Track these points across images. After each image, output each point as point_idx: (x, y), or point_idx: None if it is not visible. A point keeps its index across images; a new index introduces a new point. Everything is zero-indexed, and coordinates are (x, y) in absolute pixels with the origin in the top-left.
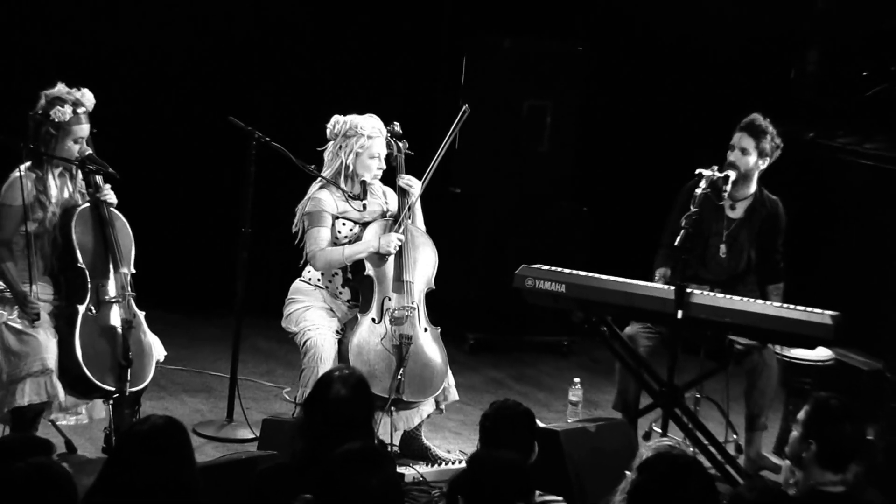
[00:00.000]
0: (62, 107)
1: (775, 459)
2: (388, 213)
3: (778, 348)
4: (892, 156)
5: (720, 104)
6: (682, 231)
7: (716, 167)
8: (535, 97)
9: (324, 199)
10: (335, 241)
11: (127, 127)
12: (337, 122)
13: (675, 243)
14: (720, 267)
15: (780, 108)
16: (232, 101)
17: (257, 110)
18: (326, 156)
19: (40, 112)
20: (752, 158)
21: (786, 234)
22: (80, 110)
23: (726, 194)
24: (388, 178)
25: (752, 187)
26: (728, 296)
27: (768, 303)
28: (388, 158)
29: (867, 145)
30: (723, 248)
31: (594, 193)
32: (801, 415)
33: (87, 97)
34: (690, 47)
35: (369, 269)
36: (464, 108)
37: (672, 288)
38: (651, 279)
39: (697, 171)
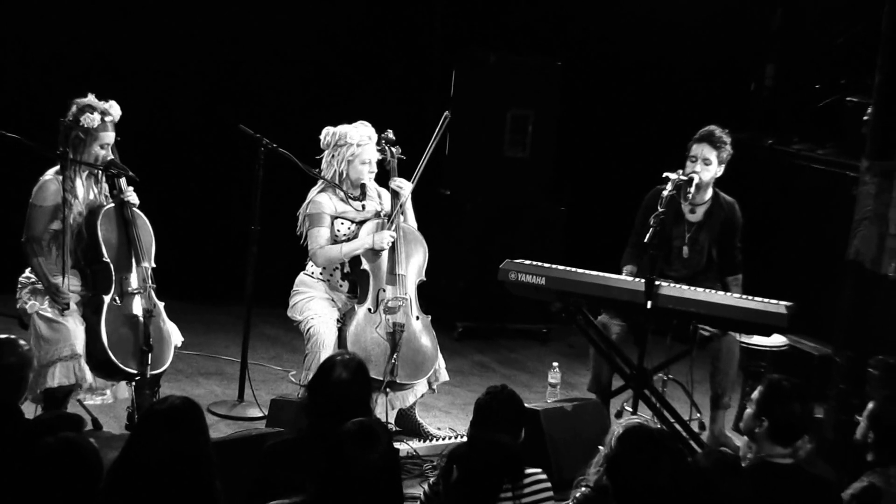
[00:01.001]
0: (91, 114)
1: (736, 439)
2: (383, 213)
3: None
4: (842, 161)
5: (686, 114)
6: (651, 229)
7: (681, 171)
8: (517, 107)
9: (322, 201)
10: (334, 239)
11: (148, 135)
12: (328, 134)
13: (645, 240)
14: (683, 266)
15: (740, 118)
16: (241, 111)
17: (265, 119)
18: (323, 164)
19: (71, 118)
20: (714, 168)
21: (743, 232)
22: (108, 119)
23: (690, 195)
24: (384, 180)
25: (710, 192)
26: (693, 287)
27: (729, 294)
28: (382, 163)
29: (819, 151)
30: (685, 249)
31: (571, 195)
32: (755, 394)
33: (115, 108)
34: (658, 62)
35: (365, 264)
36: (445, 114)
37: (642, 281)
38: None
39: (664, 175)
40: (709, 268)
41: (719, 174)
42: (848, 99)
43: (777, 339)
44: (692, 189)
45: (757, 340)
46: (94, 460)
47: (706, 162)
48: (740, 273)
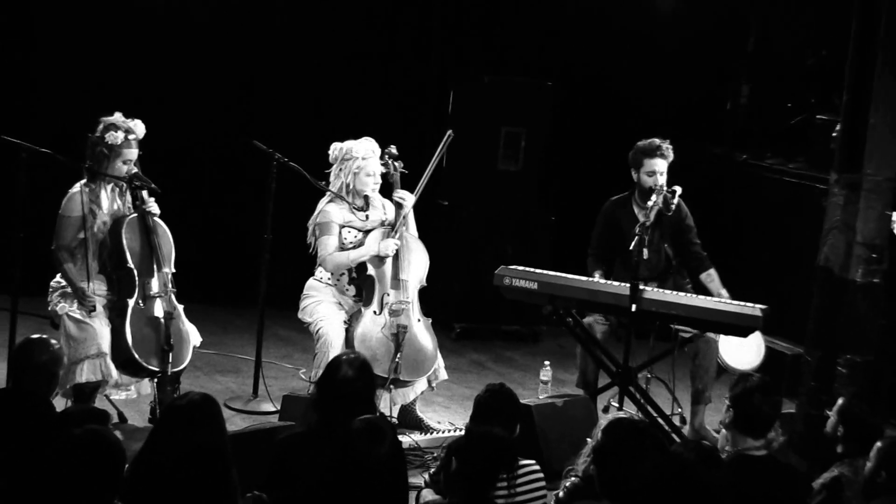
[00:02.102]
0: (115, 132)
1: (714, 432)
2: (387, 222)
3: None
4: (812, 174)
5: (666, 130)
6: (637, 237)
7: (663, 183)
8: (510, 124)
9: (331, 211)
10: (342, 247)
11: (169, 150)
12: (335, 149)
13: (630, 247)
14: (645, 268)
15: (716, 134)
16: (255, 127)
17: (276, 134)
18: (332, 177)
19: (98, 134)
20: (665, 176)
21: (696, 226)
22: (132, 137)
23: (674, 206)
24: (387, 192)
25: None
26: (674, 292)
27: (708, 298)
28: (386, 176)
29: (791, 165)
30: (645, 251)
31: (560, 205)
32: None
33: (139, 127)
34: (640, 83)
35: (371, 270)
36: (448, 132)
37: (627, 285)
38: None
39: (649, 187)
40: (668, 268)
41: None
42: (817, 116)
43: (750, 359)
44: (675, 200)
45: (730, 359)
46: (117, 451)
47: (661, 174)
48: (711, 268)
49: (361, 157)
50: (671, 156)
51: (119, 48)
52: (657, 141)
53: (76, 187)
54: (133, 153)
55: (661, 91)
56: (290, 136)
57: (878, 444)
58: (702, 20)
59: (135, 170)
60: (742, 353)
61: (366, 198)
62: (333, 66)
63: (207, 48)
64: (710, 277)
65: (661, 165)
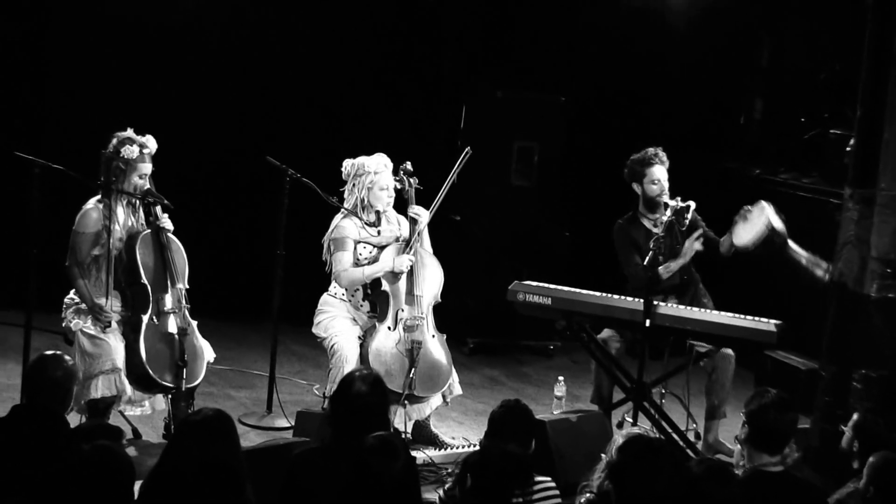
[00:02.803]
0: (131, 146)
1: (730, 446)
2: (401, 238)
3: None
4: (825, 189)
5: (679, 145)
6: (651, 252)
7: (678, 198)
8: (523, 139)
9: (346, 226)
10: (356, 262)
11: (182, 166)
12: (347, 165)
13: (644, 263)
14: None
15: (730, 149)
16: (268, 143)
17: (290, 150)
18: (346, 193)
19: (112, 150)
20: (667, 182)
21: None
22: (146, 151)
23: (687, 221)
24: (402, 208)
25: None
26: (688, 307)
27: (722, 312)
28: (401, 192)
29: (805, 180)
30: (660, 259)
31: (574, 220)
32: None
33: (151, 141)
34: (653, 97)
35: (385, 286)
36: (466, 149)
37: (641, 300)
38: (622, 293)
39: (664, 202)
40: (688, 282)
41: None
42: (831, 131)
43: None
44: (689, 215)
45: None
46: (126, 467)
47: (665, 180)
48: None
49: (374, 172)
50: (667, 162)
51: (131, 64)
52: (650, 150)
53: (90, 203)
54: (148, 167)
55: (674, 105)
56: (304, 151)
57: (871, 458)
58: (715, 35)
59: (148, 186)
60: (748, 229)
61: (377, 213)
62: (346, 82)
63: (220, 64)
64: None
65: (660, 172)
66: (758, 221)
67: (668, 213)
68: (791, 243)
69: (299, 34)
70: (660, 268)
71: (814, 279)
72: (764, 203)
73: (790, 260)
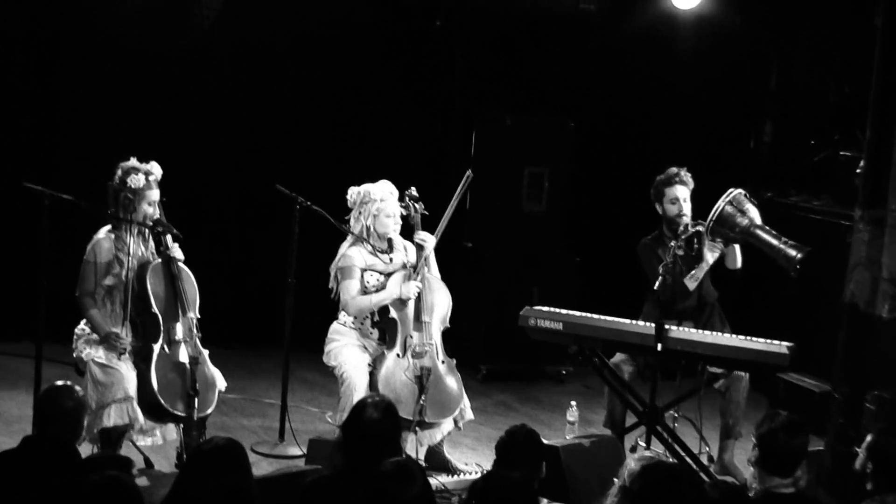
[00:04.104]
0: (136, 175)
1: (744, 470)
2: (408, 264)
3: None
4: (836, 211)
5: (691, 170)
6: (661, 278)
7: (689, 223)
8: (533, 165)
9: (353, 255)
10: (364, 290)
11: (192, 195)
12: (353, 193)
13: (655, 288)
14: (681, 303)
15: (741, 173)
16: (277, 171)
17: (300, 177)
18: (351, 221)
19: (118, 181)
20: (689, 203)
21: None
22: (152, 178)
23: (698, 247)
24: (408, 234)
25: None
26: (699, 330)
27: (734, 335)
28: (407, 218)
29: (815, 202)
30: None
31: (584, 245)
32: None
33: (156, 168)
34: (663, 121)
35: (393, 313)
36: (467, 173)
37: (652, 325)
38: (635, 318)
39: (675, 215)
40: (705, 305)
41: None
42: (841, 153)
43: None
44: (705, 239)
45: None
46: (134, 497)
47: (684, 200)
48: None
49: (380, 199)
50: (691, 182)
51: (141, 93)
52: (674, 169)
53: (101, 233)
54: (155, 194)
55: (683, 130)
56: (313, 179)
57: (868, 437)
58: (724, 58)
59: (158, 214)
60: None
61: (389, 240)
62: (356, 110)
63: (230, 92)
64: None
65: (681, 192)
66: (719, 245)
67: (674, 243)
68: (756, 230)
69: (309, 62)
70: (686, 279)
71: (787, 260)
72: (701, 228)
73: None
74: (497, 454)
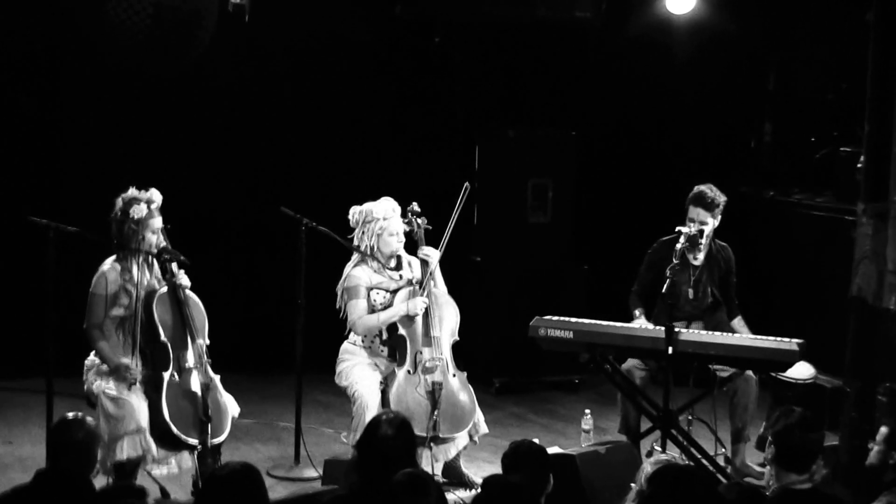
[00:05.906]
0: (138, 205)
1: (758, 468)
2: (414, 280)
3: None
4: (839, 206)
5: (693, 173)
6: (668, 280)
7: (692, 225)
8: (537, 176)
9: (358, 275)
10: (371, 309)
11: (198, 220)
12: (354, 213)
13: (663, 290)
14: (690, 306)
15: (743, 173)
16: (282, 191)
17: (305, 197)
18: (355, 241)
19: (120, 213)
20: (710, 225)
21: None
22: (153, 206)
23: (702, 246)
24: (412, 250)
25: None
26: (709, 332)
27: (744, 335)
28: (410, 233)
29: (818, 199)
30: (690, 291)
31: (591, 254)
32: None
33: (156, 195)
34: (664, 127)
35: (402, 330)
36: (465, 185)
37: (662, 328)
38: (630, 318)
39: (677, 229)
40: (714, 306)
41: (717, 225)
42: (841, 149)
43: (805, 372)
44: (703, 240)
45: (788, 373)
46: None
47: (703, 223)
48: (739, 314)
49: (382, 218)
50: (716, 206)
51: (143, 119)
52: (702, 188)
53: (106, 265)
54: (158, 222)
55: (684, 134)
56: (318, 197)
57: (882, 429)
58: (721, 61)
59: (163, 242)
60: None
61: (399, 257)
62: (359, 126)
63: (231, 115)
64: (740, 323)
65: (701, 215)
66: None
67: (682, 240)
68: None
69: (311, 81)
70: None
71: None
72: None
73: None
74: (502, 468)
